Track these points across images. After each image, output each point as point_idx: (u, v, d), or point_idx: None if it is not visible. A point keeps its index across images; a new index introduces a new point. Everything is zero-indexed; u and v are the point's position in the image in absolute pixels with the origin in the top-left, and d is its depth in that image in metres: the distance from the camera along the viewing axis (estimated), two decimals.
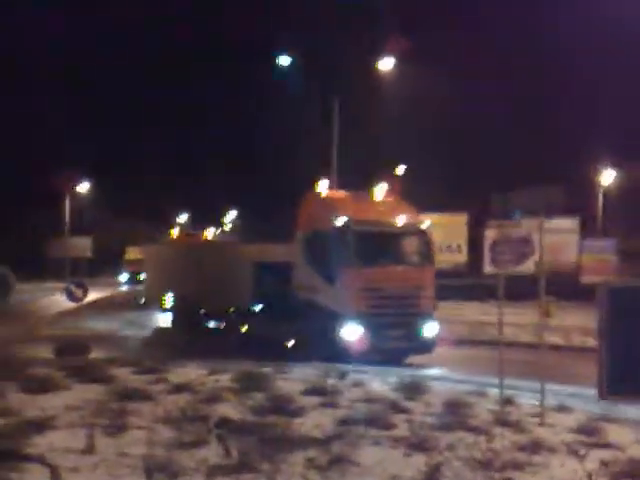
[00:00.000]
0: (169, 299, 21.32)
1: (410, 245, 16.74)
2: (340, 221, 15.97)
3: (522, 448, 7.13)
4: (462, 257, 39.31)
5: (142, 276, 49.69)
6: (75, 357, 14.36)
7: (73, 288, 31.21)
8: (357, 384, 10.86)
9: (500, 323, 10.08)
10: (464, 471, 6.33)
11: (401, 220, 16.40)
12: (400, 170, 47.80)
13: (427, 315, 15.79)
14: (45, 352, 15.33)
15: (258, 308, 18.07)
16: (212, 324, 19.69)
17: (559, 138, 44.34)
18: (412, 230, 16.57)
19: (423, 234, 16.56)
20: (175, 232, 31.24)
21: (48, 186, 47.75)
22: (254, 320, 18.04)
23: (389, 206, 16.94)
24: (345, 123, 30.98)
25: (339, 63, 30.20)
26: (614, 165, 41.78)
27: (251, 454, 6.50)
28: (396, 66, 30.40)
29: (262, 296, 17.92)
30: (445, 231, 35.16)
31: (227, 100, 57.11)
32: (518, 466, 6.51)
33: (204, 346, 17.13)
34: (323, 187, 18.53)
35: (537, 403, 9.15)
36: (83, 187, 50.62)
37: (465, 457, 6.72)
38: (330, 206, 16.86)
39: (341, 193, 18.32)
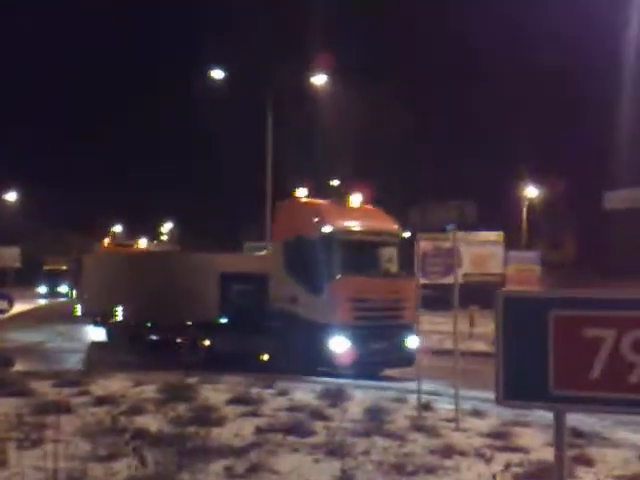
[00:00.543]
0: (111, 312, 20.04)
1: (393, 254, 16.53)
2: (327, 229, 15.39)
3: (434, 452, 7.36)
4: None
5: (61, 288, 46.41)
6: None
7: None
8: (282, 393, 10.97)
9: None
10: (376, 475, 6.49)
11: (384, 228, 16.27)
12: (334, 183, 48.31)
13: (409, 327, 14.68)
14: None
15: (225, 321, 17.12)
16: (158, 338, 18.69)
17: (483, 153, 45.57)
18: (395, 239, 16.36)
19: (404, 243, 16.15)
20: (106, 242, 29.99)
21: None
22: (220, 333, 17.09)
23: (371, 214, 16.67)
24: (280, 135, 31.27)
25: (272, 77, 30.33)
26: (537, 181, 43.34)
27: (168, 465, 6.51)
28: (327, 81, 30.90)
29: (230, 308, 16.97)
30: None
31: (163, 114, 56.64)
32: (429, 470, 6.72)
33: (146, 360, 16.59)
34: (301, 195, 18.17)
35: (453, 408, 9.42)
36: (10, 196, 49.38)
37: (378, 461, 6.89)
38: (313, 214, 15.89)
39: (322, 201, 17.11)
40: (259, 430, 7.87)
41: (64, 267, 46.74)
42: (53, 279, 46.99)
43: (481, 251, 37.37)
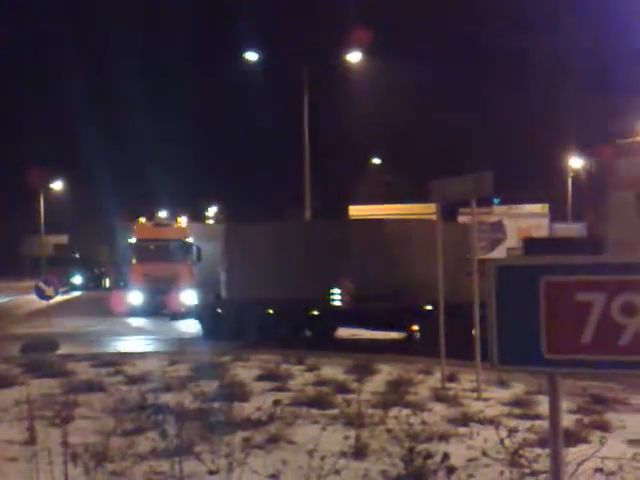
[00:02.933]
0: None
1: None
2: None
3: (451, 421, 7.47)
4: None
5: (75, 279, 42.10)
6: (41, 354, 14.55)
7: (43, 286, 30.87)
8: (311, 368, 11.18)
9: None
10: (389, 443, 6.64)
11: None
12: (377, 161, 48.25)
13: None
14: (13, 349, 15.49)
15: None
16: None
17: (527, 125, 44.90)
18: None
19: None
20: (142, 221, 29.73)
21: (22, 183, 47.75)
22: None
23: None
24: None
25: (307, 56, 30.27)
26: (581, 151, 42.56)
27: (189, 438, 6.76)
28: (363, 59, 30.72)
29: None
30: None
31: (197, 98, 57.08)
32: (442, 437, 6.84)
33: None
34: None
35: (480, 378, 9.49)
36: (57, 185, 50.55)
37: (394, 430, 7.03)
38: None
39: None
40: (277, 403, 8.05)
41: (76, 254, 43.12)
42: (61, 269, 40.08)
43: (526, 224, 36.94)
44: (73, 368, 11.22)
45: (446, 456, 5.03)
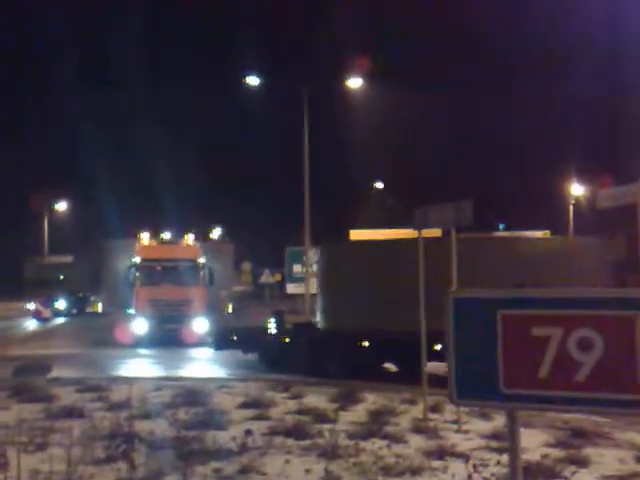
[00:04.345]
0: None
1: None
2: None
3: (426, 454, 7.40)
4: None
5: (58, 304, 36.07)
6: (32, 377, 14.51)
7: (40, 308, 30.77)
8: (295, 396, 11.11)
9: None
10: (361, 477, 6.57)
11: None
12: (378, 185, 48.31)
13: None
14: (5, 372, 15.45)
15: None
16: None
17: (529, 153, 45.00)
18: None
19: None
20: (144, 237, 25.18)
21: (26, 205, 48.07)
22: None
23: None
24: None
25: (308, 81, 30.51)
26: (583, 179, 42.66)
27: (157, 467, 6.72)
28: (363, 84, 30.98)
29: None
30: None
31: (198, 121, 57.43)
32: (415, 471, 6.77)
33: None
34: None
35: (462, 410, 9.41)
36: (60, 206, 50.82)
37: (367, 463, 6.97)
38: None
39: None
40: (249, 433, 8.00)
41: (60, 276, 38.42)
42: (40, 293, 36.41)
43: None
44: (57, 393, 11.19)
45: None
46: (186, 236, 25.65)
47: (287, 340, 16.47)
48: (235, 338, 17.73)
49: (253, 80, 31.65)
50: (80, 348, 22.38)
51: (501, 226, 39.01)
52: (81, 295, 39.26)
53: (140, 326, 22.89)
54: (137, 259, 23.93)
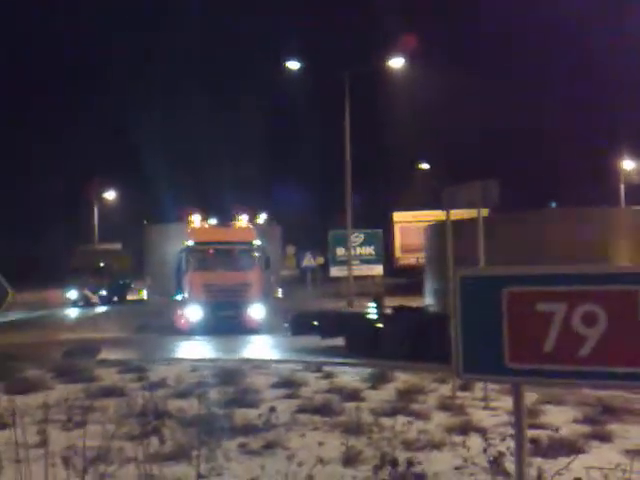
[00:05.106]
0: None
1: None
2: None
3: (449, 430, 7.51)
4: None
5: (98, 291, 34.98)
6: (81, 359, 15.00)
7: (89, 294, 31.47)
8: (327, 376, 11.30)
9: None
10: (382, 451, 6.72)
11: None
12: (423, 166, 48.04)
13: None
14: (56, 355, 15.98)
15: None
16: None
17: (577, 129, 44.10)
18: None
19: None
20: (195, 220, 24.13)
21: (76, 194, 49.23)
22: None
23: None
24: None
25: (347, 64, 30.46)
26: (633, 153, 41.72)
27: (187, 442, 6.98)
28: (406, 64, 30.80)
29: None
30: None
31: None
32: (435, 446, 6.90)
33: None
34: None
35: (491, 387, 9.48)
36: (110, 194, 51.90)
37: (389, 439, 7.12)
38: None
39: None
40: (273, 410, 8.21)
41: (100, 263, 36.63)
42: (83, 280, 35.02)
43: None
44: (100, 374, 11.61)
45: (411, 464, 5.11)
46: (238, 218, 24.33)
47: (381, 325, 15.68)
48: (316, 323, 16.87)
49: (293, 64, 31.80)
50: (127, 332, 22.80)
51: (553, 204, 38.65)
52: (122, 282, 38.32)
53: (194, 313, 21.59)
54: (190, 242, 22.57)
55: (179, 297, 22.92)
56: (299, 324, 17.44)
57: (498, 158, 45.33)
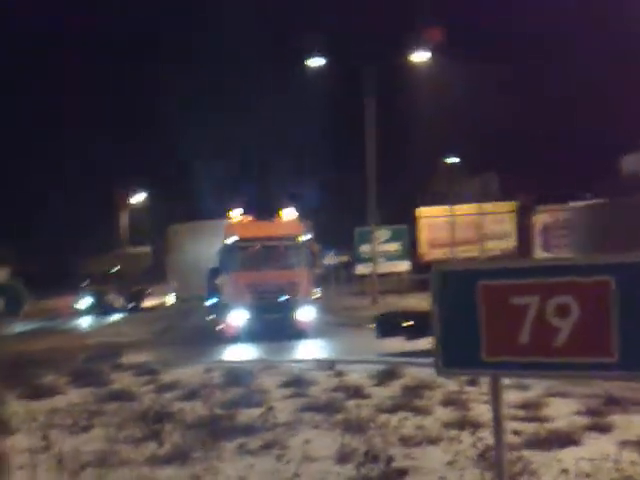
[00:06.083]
0: None
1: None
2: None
3: (448, 425, 7.49)
4: (512, 243, 38.40)
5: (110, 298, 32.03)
6: (100, 363, 15.16)
7: (113, 299, 31.53)
8: (338, 374, 11.30)
9: None
10: (378, 447, 6.73)
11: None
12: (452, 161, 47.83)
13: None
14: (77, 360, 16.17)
15: None
16: None
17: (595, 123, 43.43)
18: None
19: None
20: (235, 215, 21.75)
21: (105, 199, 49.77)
22: None
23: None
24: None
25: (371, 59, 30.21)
26: None
27: (187, 444, 7.07)
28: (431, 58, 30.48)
29: None
30: (495, 218, 35.05)
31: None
32: (432, 441, 6.89)
33: None
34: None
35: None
36: (139, 198, 52.33)
37: (387, 435, 7.13)
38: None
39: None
40: (270, 410, 8.23)
41: (113, 269, 35.18)
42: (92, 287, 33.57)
43: None
44: (115, 377, 11.77)
45: (391, 459, 5.12)
46: (280, 212, 21.63)
47: None
48: (409, 323, 15.18)
49: (317, 61, 31.59)
50: (151, 336, 22.81)
51: (588, 196, 38.26)
52: (136, 289, 34.81)
53: (238, 317, 19.24)
54: (232, 239, 20.11)
55: (213, 300, 21.04)
56: (387, 325, 15.84)
57: (529, 152, 44.75)
